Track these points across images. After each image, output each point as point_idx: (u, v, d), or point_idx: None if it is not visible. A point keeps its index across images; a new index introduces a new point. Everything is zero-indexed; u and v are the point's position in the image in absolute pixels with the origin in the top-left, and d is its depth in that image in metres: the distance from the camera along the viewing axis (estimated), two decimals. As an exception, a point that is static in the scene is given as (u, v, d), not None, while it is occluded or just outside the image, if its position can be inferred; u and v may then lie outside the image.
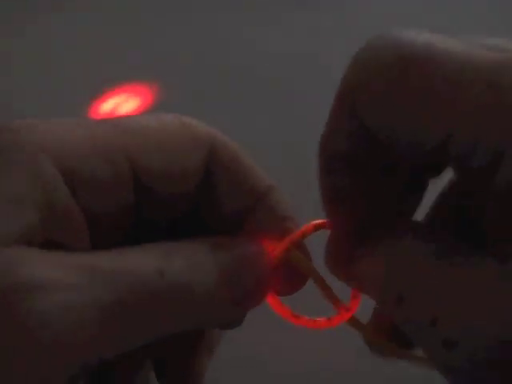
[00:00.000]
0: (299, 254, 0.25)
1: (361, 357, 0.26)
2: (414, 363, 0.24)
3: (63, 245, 0.22)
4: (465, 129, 0.20)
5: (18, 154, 0.22)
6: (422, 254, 0.21)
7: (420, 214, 0.25)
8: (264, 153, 0.42)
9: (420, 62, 0.21)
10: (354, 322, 0.24)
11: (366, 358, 0.24)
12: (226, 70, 0.47)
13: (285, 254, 0.25)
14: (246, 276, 0.24)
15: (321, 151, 0.26)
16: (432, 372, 0.23)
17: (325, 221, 0.25)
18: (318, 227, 0.25)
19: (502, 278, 0.20)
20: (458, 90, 0.20)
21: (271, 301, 0.25)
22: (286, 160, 0.42)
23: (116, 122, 0.24)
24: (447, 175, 0.24)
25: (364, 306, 0.24)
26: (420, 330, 0.22)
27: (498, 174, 0.20)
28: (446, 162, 0.22)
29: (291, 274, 0.25)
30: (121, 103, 0.44)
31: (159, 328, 0.22)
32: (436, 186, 0.25)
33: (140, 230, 0.25)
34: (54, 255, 0.21)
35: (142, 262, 0.22)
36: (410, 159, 0.22)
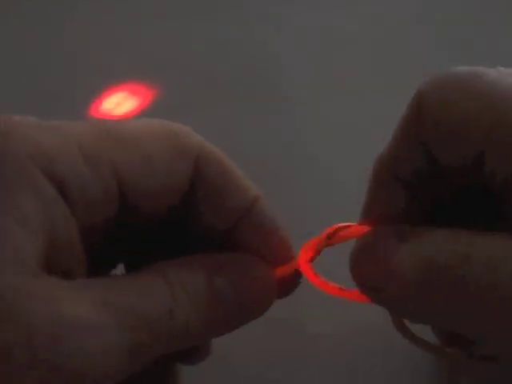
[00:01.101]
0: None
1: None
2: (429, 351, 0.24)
3: (67, 270, 0.22)
4: None
5: (12, 168, 0.21)
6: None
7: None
8: (264, 153, 0.42)
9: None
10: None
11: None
12: (226, 70, 0.47)
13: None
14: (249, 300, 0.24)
15: (381, 170, 0.25)
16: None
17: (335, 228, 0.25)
18: (329, 241, 0.25)
19: None
20: None
21: (304, 268, 0.25)
22: (285, 160, 0.42)
23: (106, 130, 0.24)
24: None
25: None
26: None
27: None
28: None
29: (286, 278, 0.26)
30: (121, 103, 0.44)
31: (154, 357, 0.22)
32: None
33: (121, 234, 0.25)
34: (75, 287, 0.21)
35: (156, 300, 0.22)
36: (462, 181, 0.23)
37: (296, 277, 0.26)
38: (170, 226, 0.25)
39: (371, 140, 0.43)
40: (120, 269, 0.27)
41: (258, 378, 0.33)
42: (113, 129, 0.23)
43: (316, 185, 0.41)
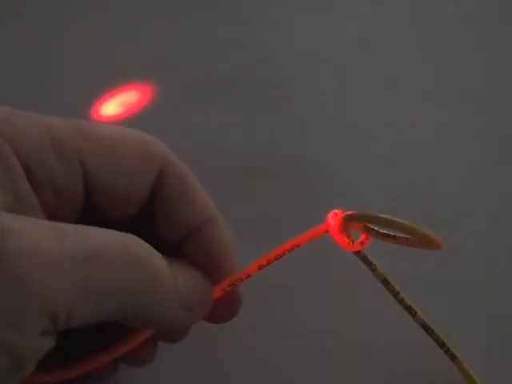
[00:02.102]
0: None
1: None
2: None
3: None
4: None
5: None
6: None
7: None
8: (264, 153, 0.42)
9: None
10: None
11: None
12: (226, 69, 0.47)
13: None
14: (193, 292, 0.25)
15: None
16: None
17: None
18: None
19: None
20: None
21: (333, 232, 0.25)
22: (285, 160, 0.42)
23: (75, 123, 0.24)
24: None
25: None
26: None
27: None
28: None
29: (227, 303, 0.27)
30: (120, 103, 0.44)
31: (121, 299, 0.23)
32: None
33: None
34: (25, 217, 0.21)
35: (107, 234, 0.22)
36: None
37: (235, 301, 0.27)
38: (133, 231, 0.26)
39: (371, 140, 0.43)
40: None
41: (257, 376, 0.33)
42: (85, 125, 0.24)
43: (316, 185, 0.41)
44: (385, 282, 0.27)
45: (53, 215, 0.24)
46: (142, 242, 0.23)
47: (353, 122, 0.44)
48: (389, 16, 0.51)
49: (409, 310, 0.28)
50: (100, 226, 0.25)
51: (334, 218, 0.25)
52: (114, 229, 0.24)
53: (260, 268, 0.26)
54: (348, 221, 0.25)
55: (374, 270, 0.27)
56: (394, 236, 0.24)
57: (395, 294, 0.28)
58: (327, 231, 0.25)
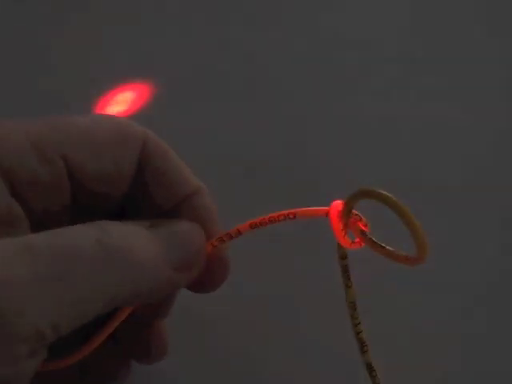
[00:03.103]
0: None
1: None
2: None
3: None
4: None
5: None
6: None
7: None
8: (264, 152, 0.42)
9: None
10: None
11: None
12: (226, 69, 0.47)
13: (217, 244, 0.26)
14: (184, 246, 0.25)
15: None
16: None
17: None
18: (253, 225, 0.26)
19: None
20: None
21: (333, 217, 0.25)
22: (285, 160, 0.42)
23: (51, 121, 0.25)
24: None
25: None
26: None
27: None
28: None
29: (215, 267, 0.27)
30: (121, 102, 0.44)
31: (106, 296, 0.22)
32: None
33: (77, 219, 0.25)
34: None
35: (79, 236, 0.22)
36: None
37: (223, 265, 0.27)
38: (127, 209, 0.27)
39: (371, 140, 0.43)
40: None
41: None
42: (61, 120, 0.24)
43: (316, 185, 0.41)
44: (351, 306, 0.26)
45: (42, 215, 0.24)
46: (117, 228, 0.23)
47: (353, 122, 0.44)
48: (389, 17, 0.51)
49: (361, 344, 0.27)
50: (91, 210, 0.25)
51: (336, 204, 0.25)
52: (105, 208, 0.25)
53: (252, 227, 0.26)
54: (351, 201, 0.25)
55: (348, 287, 0.26)
56: (384, 248, 0.24)
57: (356, 324, 0.26)
58: (327, 215, 0.25)
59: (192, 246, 0.25)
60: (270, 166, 0.42)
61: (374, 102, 0.45)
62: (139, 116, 0.44)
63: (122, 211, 0.27)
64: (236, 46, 0.48)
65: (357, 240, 0.25)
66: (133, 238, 0.23)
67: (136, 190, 0.26)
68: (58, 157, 0.24)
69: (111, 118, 0.26)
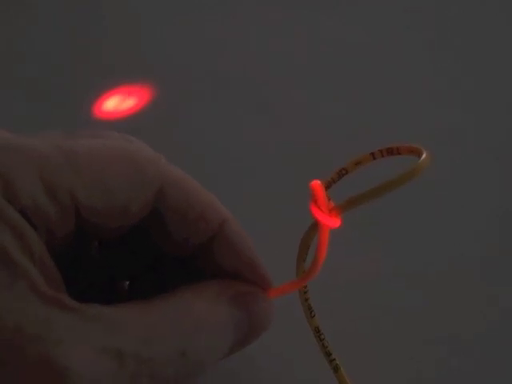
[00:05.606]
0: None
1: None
2: None
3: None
4: None
5: None
6: None
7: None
8: (264, 152, 0.42)
9: None
10: None
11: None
12: (226, 69, 0.47)
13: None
14: (254, 330, 0.25)
15: None
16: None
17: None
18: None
19: None
20: None
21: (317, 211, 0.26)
22: (285, 160, 0.42)
23: (69, 153, 0.24)
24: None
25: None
26: None
27: None
28: None
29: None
30: (121, 103, 0.44)
31: None
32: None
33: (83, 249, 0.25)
34: (78, 320, 0.21)
35: (167, 345, 0.22)
36: None
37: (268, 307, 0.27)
38: (141, 239, 0.26)
39: (371, 140, 0.43)
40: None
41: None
42: (77, 151, 0.24)
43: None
44: (316, 332, 0.27)
45: (45, 236, 0.24)
46: (203, 342, 0.23)
47: (353, 122, 0.44)
48: (389, 18, 0.51)
49: (334, 367, 0.27)
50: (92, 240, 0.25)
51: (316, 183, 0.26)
52: (116, 236, 0.25)
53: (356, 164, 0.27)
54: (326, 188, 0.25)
55: (311, 317, 0.27)
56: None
57: (325, 346, 0.27)
58: (419, 156, 0.25)
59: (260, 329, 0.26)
60: (269, 166, 0.42)
61: (374, 101, 0.45)
62: (139, 116, 0.44)
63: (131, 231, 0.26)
64: (236, 46, 0.48)
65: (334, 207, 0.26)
66: (214, 350, 0.24)
67: (154, 225, 0.25)
68: (69, 198, 0.23)
69: (131, 153, 0.25)
